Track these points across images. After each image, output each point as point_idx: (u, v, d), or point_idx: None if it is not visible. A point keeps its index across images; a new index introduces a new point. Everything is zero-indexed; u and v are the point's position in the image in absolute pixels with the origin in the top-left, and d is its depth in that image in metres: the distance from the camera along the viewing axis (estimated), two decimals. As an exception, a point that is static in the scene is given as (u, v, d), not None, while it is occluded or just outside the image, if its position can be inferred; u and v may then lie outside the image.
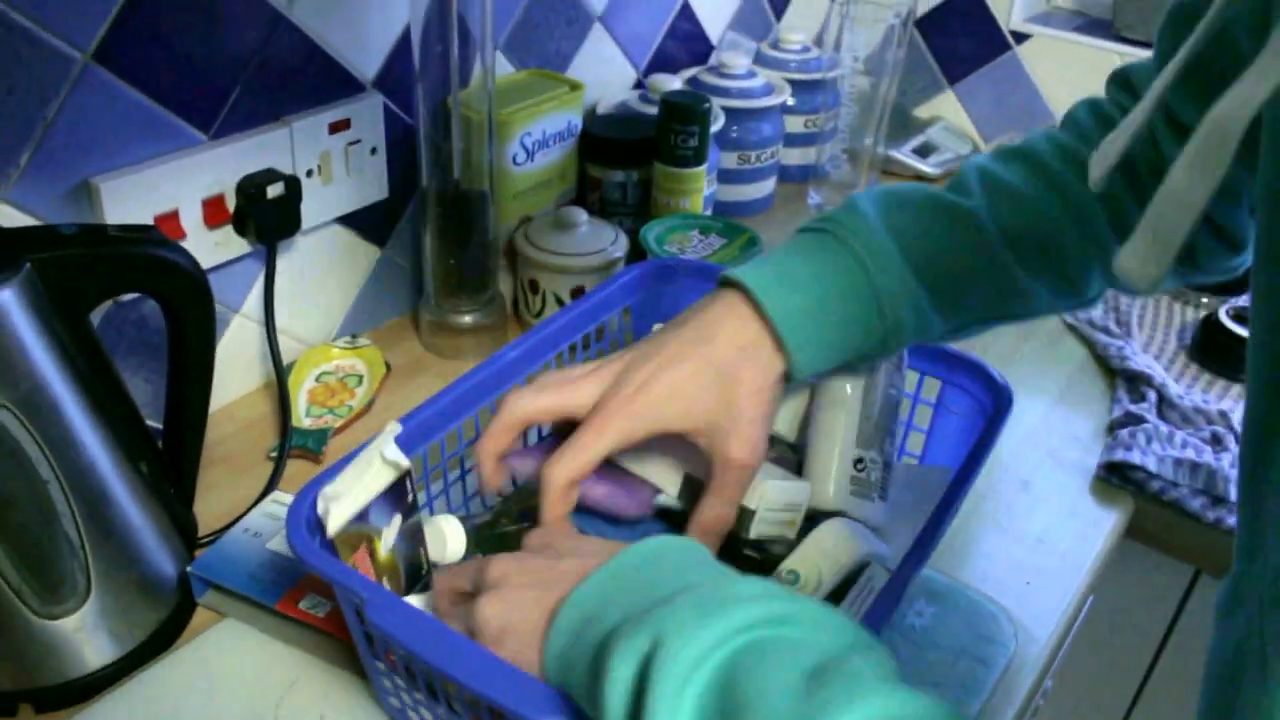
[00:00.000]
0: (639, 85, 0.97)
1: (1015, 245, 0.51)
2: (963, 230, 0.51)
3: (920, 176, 1.12)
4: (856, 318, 0.49)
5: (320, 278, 0.76)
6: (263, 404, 0.74)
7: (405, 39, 0.74)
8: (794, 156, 1.09)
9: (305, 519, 0.45)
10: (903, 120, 1.18)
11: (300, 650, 0.54)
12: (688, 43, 1.05)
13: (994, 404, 0.56)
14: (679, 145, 0.81)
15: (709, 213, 0.94)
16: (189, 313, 0.53)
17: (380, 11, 0.73)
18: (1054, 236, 0.51)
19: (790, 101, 1.03)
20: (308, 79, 0.71)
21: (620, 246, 0.80)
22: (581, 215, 0.80)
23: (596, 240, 0.79)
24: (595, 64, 0.93)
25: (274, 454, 0.69)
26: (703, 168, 0.83)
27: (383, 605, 0.41)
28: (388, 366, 0.77)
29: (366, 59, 0.74)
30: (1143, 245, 0.32)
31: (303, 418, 0.72)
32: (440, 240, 0.75)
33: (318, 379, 0.76)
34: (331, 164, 0.72)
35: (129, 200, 0.61)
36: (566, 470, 0.46)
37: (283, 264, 0.74)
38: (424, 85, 0.69)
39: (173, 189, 0.63)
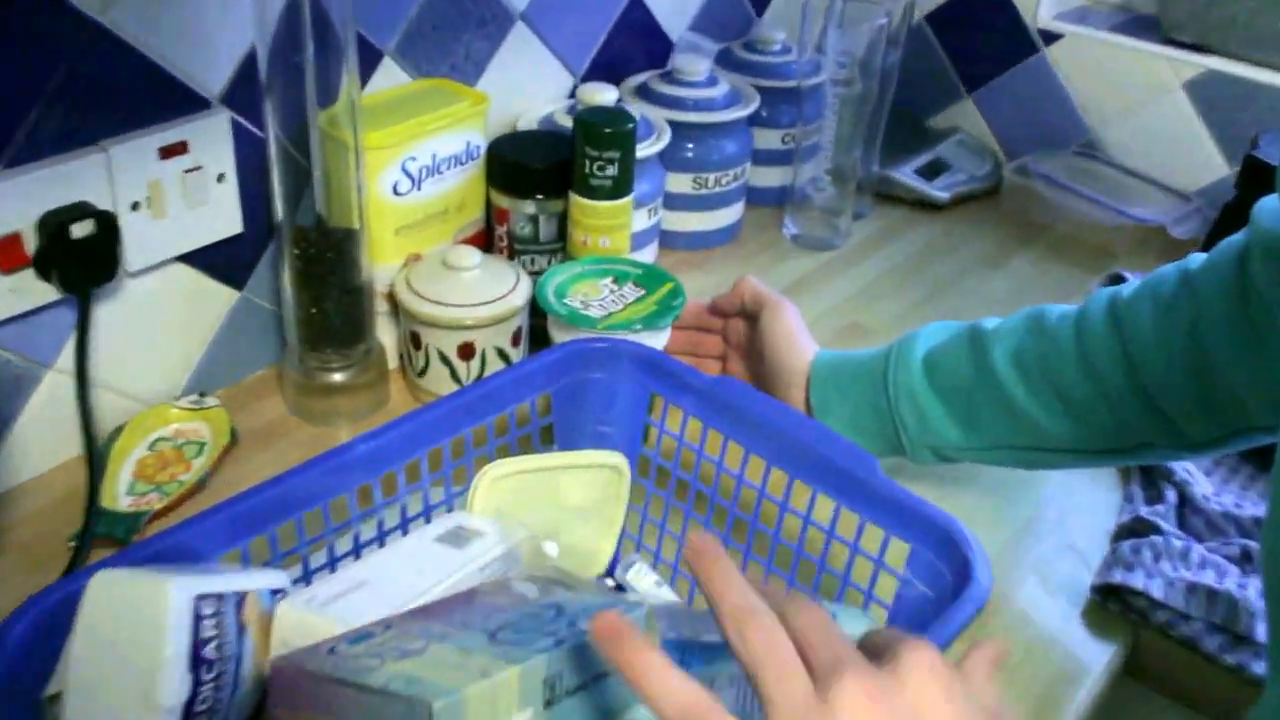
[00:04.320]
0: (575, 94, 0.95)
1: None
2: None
3: (924, 201, 1.10)
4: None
5: (160, 325, 0.73)
6: (79, 477, 0.70)
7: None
8: (767, 177, 1.06)
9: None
10: (912, 133, 1.15)
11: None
12: (646, 41, 1.01)
13: (954, 579, 0.50)
14: (594, 174, 0.76)
15: (649, 249, 0.92)
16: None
17: (225, 11, 0.69)
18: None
19: (762, 113, 1.00)
20: (131, 95, 0.67)
21: (521, 293, 0.76)
22: (472, 256, 0.76)
23: (491, 286, 0.76)
24: (518, 71, 0.89)
25: (73, 542, 0.65)
26: (626, 200, 0.78)
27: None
28: (233, 435, 0.74)
29: (210, 70, 0.70)
30: None
31: (121, 496, 0.68)
32: (300, 285, 0.72)
33: (151, 446, 0.72)
34: (165, 195, 0.69)
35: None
36: None
37: (110, 311, 0.70)
38: (273, 101, 0.66)
39: (-53, 229, 0.61)
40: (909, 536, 0.53)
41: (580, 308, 0.69)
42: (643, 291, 0.71)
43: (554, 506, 0.59)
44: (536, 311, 0.73)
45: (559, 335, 0.70)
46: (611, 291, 0.71)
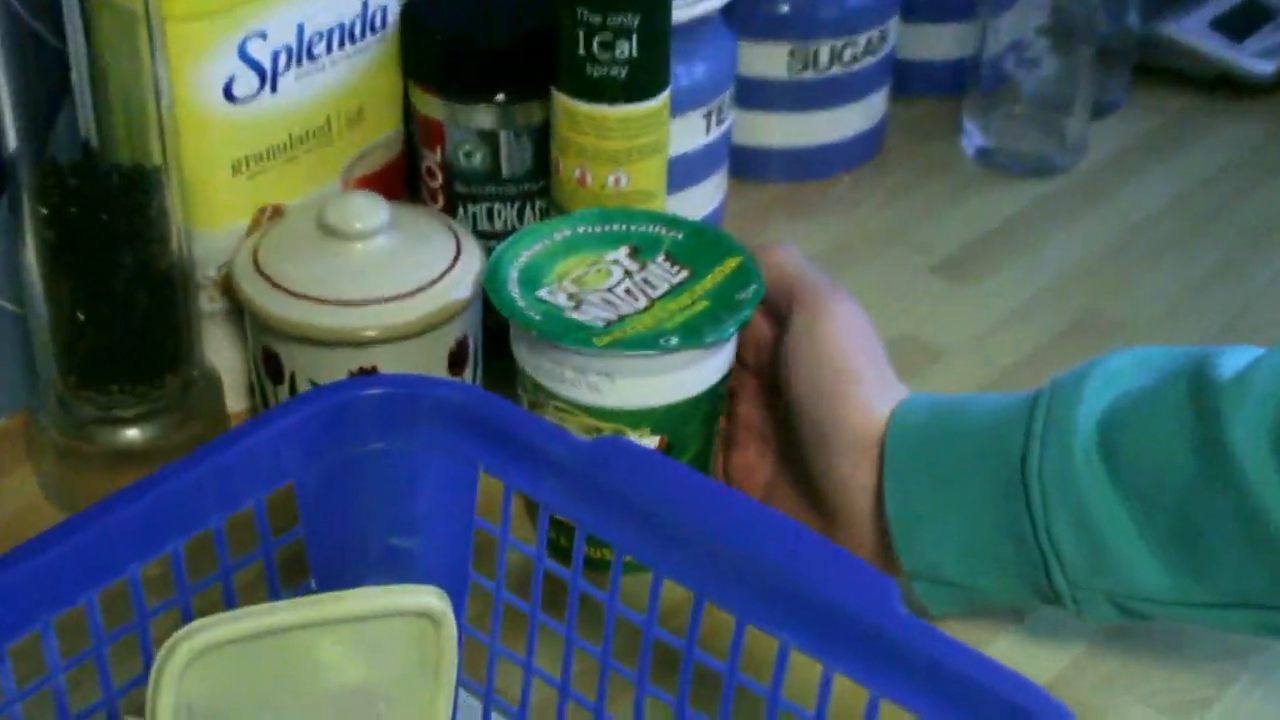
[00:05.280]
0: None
1: None
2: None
3: (1229, 78, 1.07)
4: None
5: None
6: None
7: None
8: (928, 44, 1.04)
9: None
10: None
11: None
12: None
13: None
14: (596, 54, 0.71)
15: (708, 188, 0.88)
16: None
17: None
18: None
19: None
20: None
21: (468, 278, 0.73)
22: (375, 210, 0.73)
23: (410, 265, 0.73)
24: None
25: None
26: (658, 101, 0.74)
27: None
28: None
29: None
30: None
31: None
32: (57, 272, 0.70)
33: None
34: None
35: None
36: None
37: None
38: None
39: None
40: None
41: (567, 307, 0.66)
42: (686, 273, 0.69)
43: (312, 696, 0.57)
44: (496, 311, 0.71)
45: (525, 360, 0.67)
46: (628, 274, 0.68)
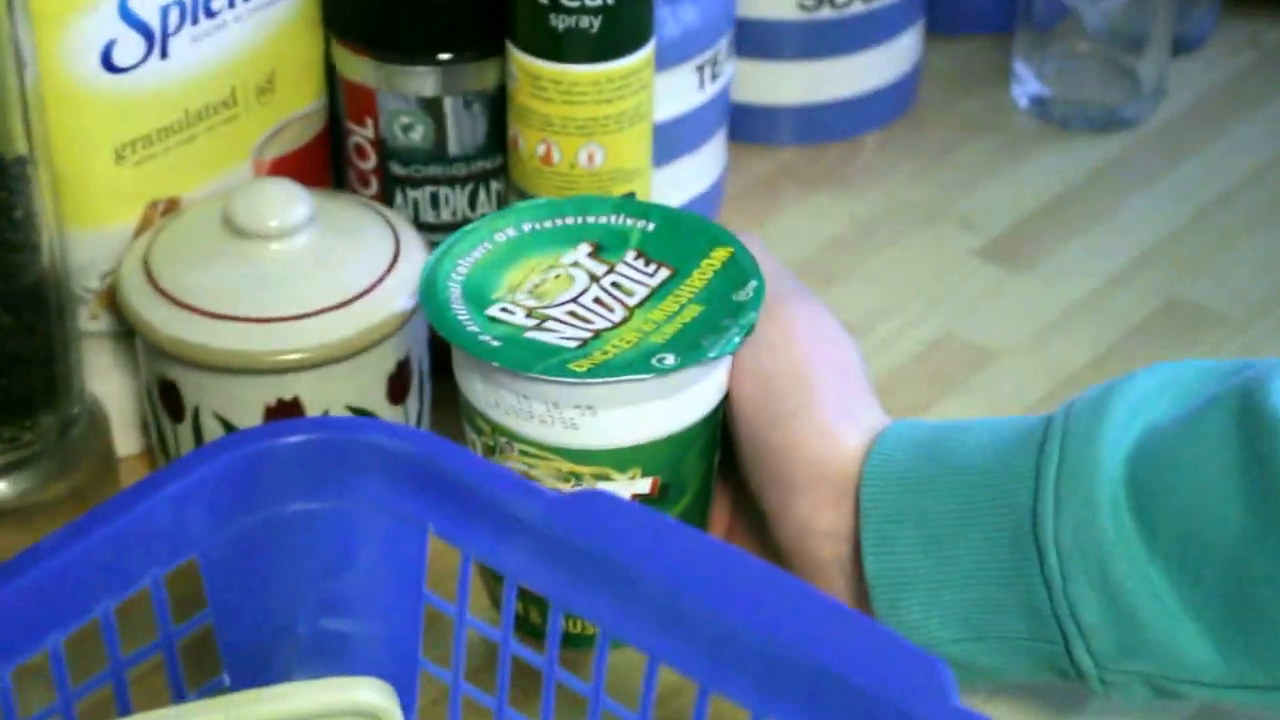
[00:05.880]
0: None
1: None
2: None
3: None
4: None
5: None
6: None
7: None
8: None
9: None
10: None
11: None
12: None
13: None
14: (554, 4, 0.72)
15: (705, 156, 0.89)
16: None
17: None
18: None
19: None
20: None
21: (409, 283, 0.73)
22: (294, 202, 0.73)
23: (341, 269, 0.73)
24: None
25: None
26: (638, 59, 0.75)
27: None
28: None
29: None
30: None
31: None
32: None
33: None
34: None
35: None
36: None
37: None
38: None
39: None
40: None
41: (527, 327, 0.65)
42: (666, 272, 0.68)
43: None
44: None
45: (480, 397, 0.66)
46: (594, 279, 0.68)
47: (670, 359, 0.63)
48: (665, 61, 0.80)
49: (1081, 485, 0.62)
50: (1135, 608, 0.61)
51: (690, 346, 0.64)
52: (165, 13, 0.73)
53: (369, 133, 0.78)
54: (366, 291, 0.71)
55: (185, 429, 0.73)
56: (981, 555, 0.64)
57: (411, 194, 0.79)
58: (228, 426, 0.73)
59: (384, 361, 0.73)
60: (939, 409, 0.82)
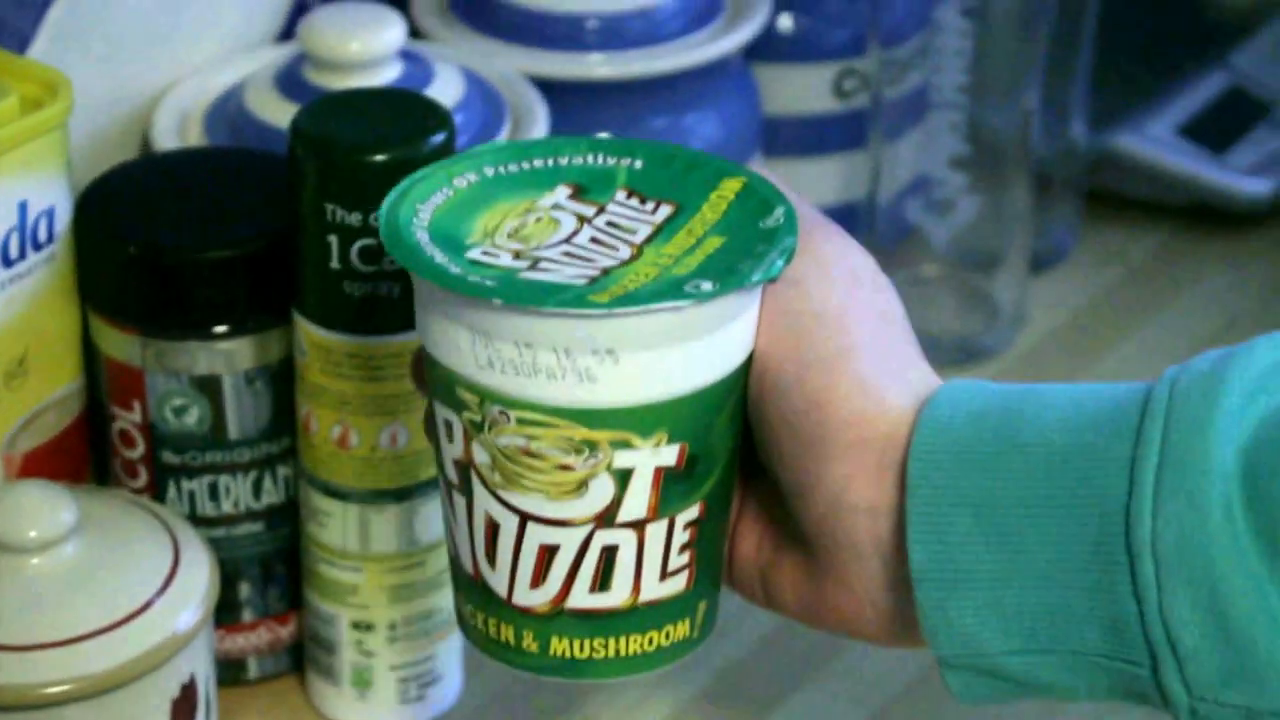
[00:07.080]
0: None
1: None
2: None
3: (1209, 206, 1.12)
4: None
5: None
6: None
7: None
8: (796, 188, 1.08)
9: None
10: (1163, 44, 1.18)
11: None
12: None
13: None
14: (352, 265, 0.73)
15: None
16: None
17: None
18: None
19: (783, 28, 1.04)
20: None
21: (193, 594, 0.75)
22: (56, 507, 0.74)
23: (113, 583, 0.74)
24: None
25: None
26: None
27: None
28: None
29: None
30: None
31: None
32: None
33: None
34: None
35: None
36: None
37: None
38: None
39: None
40: None
41: (519, 268, 0.63)
42: (669, 208, 0.67)
43: None
44: (228, 618, 0.76)
45: (462, 359, 0.63)
46: (584, 220, 0.66)
47: (707, 285, 0.60)
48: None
49: (1188, 482, 0.58)
50: (1247, 631, 0.58)
51: (726, 272, 0.61)
52: None
53: (136, 417, 0.77)
54: (143, 609, 0.70)
55: None
56: (1057, 555, 0.60)
57: (187, 485, 0.78)
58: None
59: (166, 687, 0.71)
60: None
